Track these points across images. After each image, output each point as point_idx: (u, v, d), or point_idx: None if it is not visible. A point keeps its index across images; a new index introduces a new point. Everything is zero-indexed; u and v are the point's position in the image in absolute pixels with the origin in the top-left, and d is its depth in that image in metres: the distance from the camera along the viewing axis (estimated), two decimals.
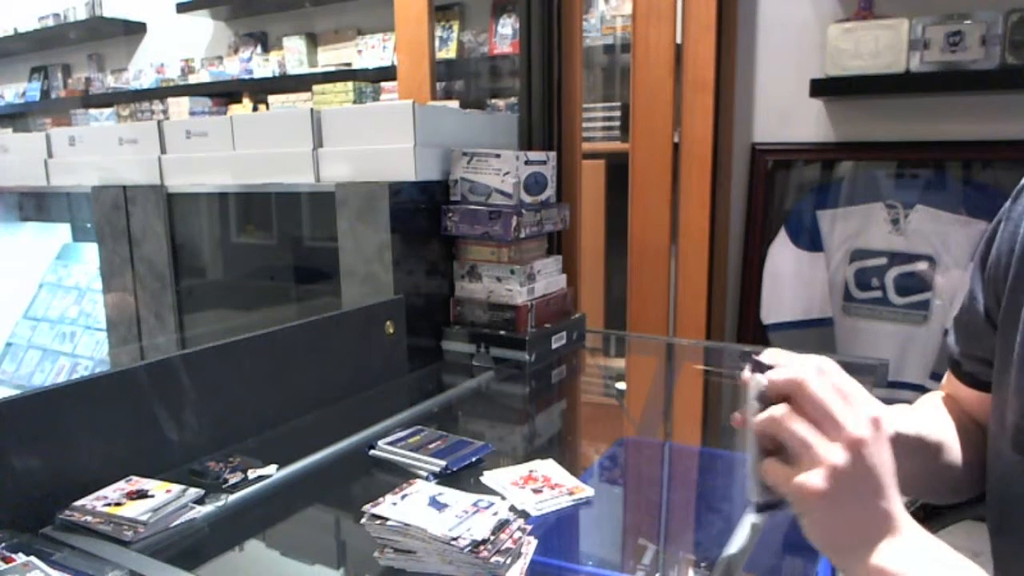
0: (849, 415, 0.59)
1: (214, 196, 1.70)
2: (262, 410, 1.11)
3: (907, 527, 0.60)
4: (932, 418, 0.87)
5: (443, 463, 0.96)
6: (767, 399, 0.62)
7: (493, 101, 3.05)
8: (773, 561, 0.82)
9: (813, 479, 0.58)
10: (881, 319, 1.94)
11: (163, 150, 1.73)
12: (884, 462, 0.59)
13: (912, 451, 0.79)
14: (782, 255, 2.05)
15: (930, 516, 1.07)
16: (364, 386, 1.30)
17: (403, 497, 0.78)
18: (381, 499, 0.78)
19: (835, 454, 0.58)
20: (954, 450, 0.84)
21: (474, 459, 0.99)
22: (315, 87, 3.11)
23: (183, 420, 0.98)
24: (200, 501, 0.86)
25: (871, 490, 0.59)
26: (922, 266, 1.89)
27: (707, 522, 0.94)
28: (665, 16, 1.94)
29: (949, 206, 1.87)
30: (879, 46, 1.80)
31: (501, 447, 1.14)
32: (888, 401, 1.00)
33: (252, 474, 0.94)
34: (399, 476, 0.94)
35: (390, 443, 1.03)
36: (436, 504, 0.77)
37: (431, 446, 1.02)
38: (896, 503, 0.60)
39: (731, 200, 2.12)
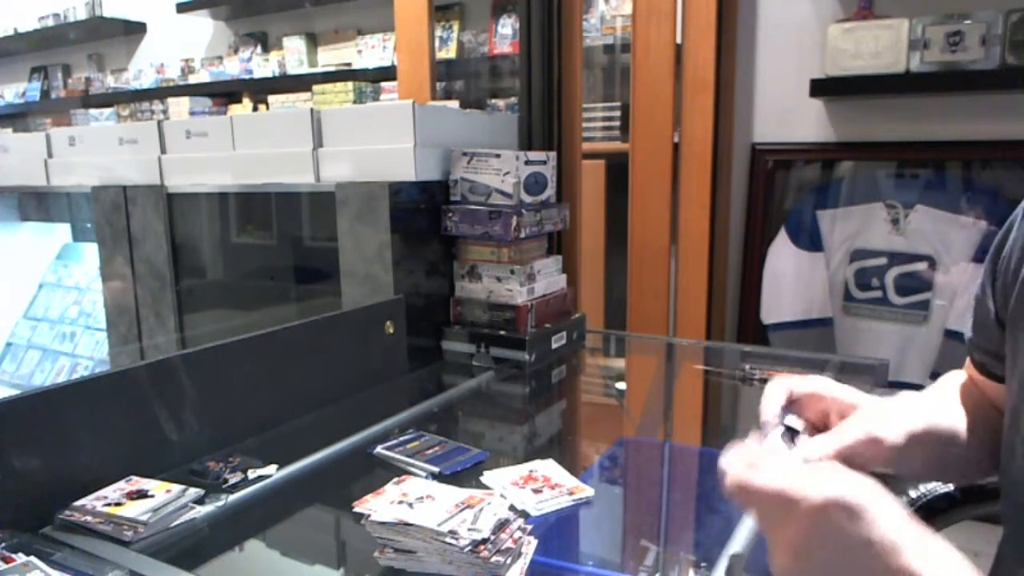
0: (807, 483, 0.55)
1: (214, 196, 1.70)
2: (262, 410, 1.11)
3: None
4: (943, 405, 0.86)
5: (438, 470, 0.96)
6: None
7: (493, 101, 3.05)
8: None
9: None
10: (881, 319, 1.94)
11: (163, 150, 1.73)
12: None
13: (922, 442, 0.77)
14: (782, 255, 2.05)
15: (930, 516, 1.07)
16: (364, 386, 1.30)
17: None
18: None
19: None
20: (962, 436, 0.83)
21: (470, 466, 0.99)
22: (315, 87, 3.11)
23: (183, 420, 0.98)
24: (200, 501, 0.86)
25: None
26: (922, 266, 1.89)
27: (707, 522, 0.94)
28: (665, 16, 1.94)
29: (949, 206, 1.87)
30: (879, 46, 1.80)
31: (501, 447, 1.14)
32: None
33: (252, 474, 0.94)
34: (399, 476, 0.94)
35: (388, 448, 1.03)
36: None
37: (428, 452, 1.02)
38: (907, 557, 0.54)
39: (731, 200, 2.12)
